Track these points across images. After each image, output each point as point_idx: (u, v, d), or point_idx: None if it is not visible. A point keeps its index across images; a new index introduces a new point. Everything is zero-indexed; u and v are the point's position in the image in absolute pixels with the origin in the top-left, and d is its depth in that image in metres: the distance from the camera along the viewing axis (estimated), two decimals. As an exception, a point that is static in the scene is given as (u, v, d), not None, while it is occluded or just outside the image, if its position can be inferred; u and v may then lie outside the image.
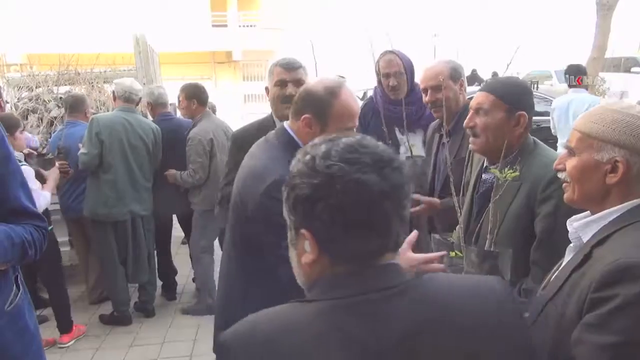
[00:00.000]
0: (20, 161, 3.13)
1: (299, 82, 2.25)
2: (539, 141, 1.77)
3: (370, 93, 3.17)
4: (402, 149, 2.91)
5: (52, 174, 3.49)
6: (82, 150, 3.66)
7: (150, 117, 4.34)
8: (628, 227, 1.08)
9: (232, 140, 2.43)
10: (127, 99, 3.84)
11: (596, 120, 1.15)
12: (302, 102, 1.65)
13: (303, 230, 0.84)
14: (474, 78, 15.52)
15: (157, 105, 4.18)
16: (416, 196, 2.38)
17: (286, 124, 1.71)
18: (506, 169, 1.53)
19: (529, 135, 1.76)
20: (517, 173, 1.40)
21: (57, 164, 3.63)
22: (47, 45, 13.98)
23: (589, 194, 1.17)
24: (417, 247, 3.11)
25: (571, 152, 1.20)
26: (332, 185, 0.79)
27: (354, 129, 1.67)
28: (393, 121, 2.79)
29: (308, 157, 0.84)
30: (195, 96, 3.95)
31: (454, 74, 2.38)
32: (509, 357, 0.84)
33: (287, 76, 2.27)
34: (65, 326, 3.61)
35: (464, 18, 22.99)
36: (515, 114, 1.69)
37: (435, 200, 2.40)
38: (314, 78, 2.37)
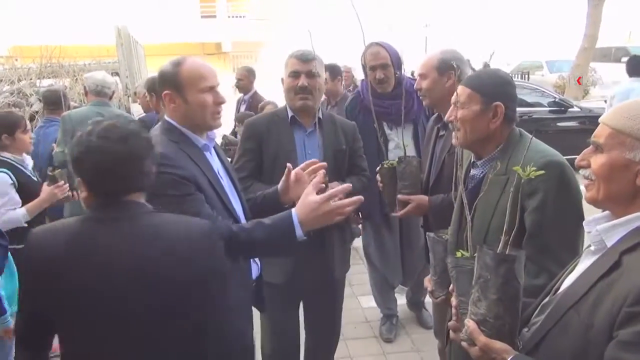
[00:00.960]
0: (20, 166, 2.73)
1: (311, 74, 2.24)
2: (525, 132, 1.72)
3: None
4: (391, 145, 2.83)
5: (45, 194, 2.73)
6: (57, 149, 3.49)
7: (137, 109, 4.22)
8: None
9: (243, 128, 2.45)
10: (99, 93, 3.71)
11: (631, 116, 1.06)
12: (158, 84, 1.73)
13: (78, 178, 1.32)
14: (465, 68, 15.47)
15: None
16: (403, 197, 2.33)
17: (166, 115, 1.74)
18: (511, 164, 1.47)
19: (515, 128, 1.72)
20: (542, 172, 1.32)
21: (61, 183, 2.79)
22: (34, 37, 13.72)
23: (615, 195, 1.09)
24: (407, 241, 3.10)
25: (598, 148, 1.11)
26: (90, 151, 1.25)
27: (216, 88, 1.69)
28: (380, 116, 2.72)
29: (80, 133, 1.29)
30: (154, 90, 3.66)
31: (442, 65, 2.27)
32: (185, 268, 1.26)
33: (301, 67, 2.25)
34: None
35: (455, 8, 22.90)
36: (492, 105, 1.65)
37: (423, 197, 2.34)
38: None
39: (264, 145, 2.30)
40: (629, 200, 1.07)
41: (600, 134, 1.11)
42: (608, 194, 1.09)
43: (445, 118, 1.79)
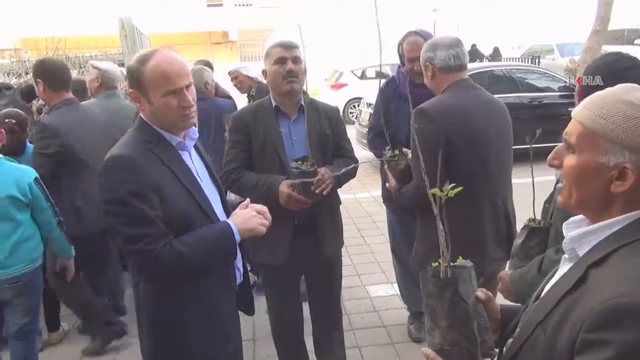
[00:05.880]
0: None
1: (297, 60, 2.29)
2: None
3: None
4: None
5: None
6: None
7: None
8: (627, 247, 0.91)
9: (231, 121, 2.48)
10: (114, 83, 3.68)
11: (605, 114, 0.93)
12: (127, 80, 1.68)
13: None
14: (474, 53, 15.21)
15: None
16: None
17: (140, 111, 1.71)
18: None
19: None
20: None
21: None
22: (39, 29, 13.74)
23: (587, 201, 0.98)
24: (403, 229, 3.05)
25: (570, 147, 1.00)
26: None
27: (183, 90, 1.57)
28: (415, 104, 2.72)
29: None
30: (40, 76, 2.96)
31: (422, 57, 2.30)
32: None
33: (287, 54, 2.29)
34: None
35: (463, -8, 22.53)
36: None
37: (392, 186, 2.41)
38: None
39: (252, 136, 2.34)
40: (601, 209, 0.96)
41: (572, 132, 0.99)
42: (580, 200, 0.99)
43: None
